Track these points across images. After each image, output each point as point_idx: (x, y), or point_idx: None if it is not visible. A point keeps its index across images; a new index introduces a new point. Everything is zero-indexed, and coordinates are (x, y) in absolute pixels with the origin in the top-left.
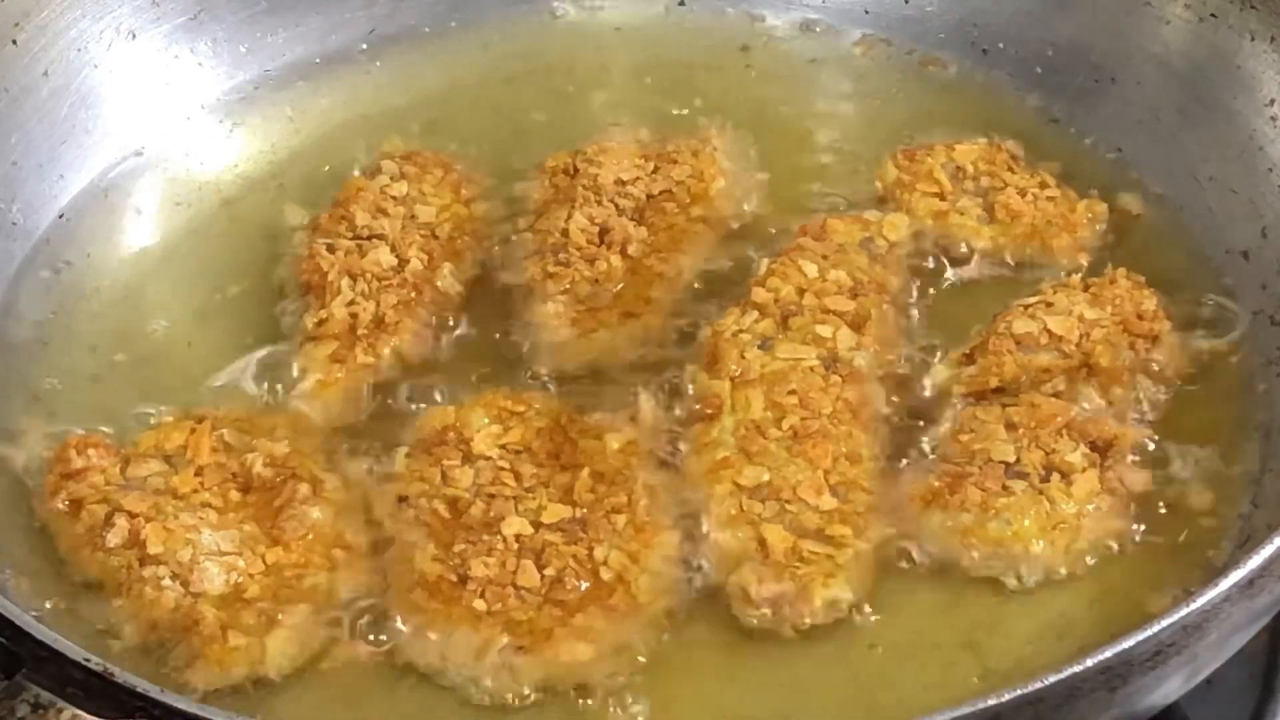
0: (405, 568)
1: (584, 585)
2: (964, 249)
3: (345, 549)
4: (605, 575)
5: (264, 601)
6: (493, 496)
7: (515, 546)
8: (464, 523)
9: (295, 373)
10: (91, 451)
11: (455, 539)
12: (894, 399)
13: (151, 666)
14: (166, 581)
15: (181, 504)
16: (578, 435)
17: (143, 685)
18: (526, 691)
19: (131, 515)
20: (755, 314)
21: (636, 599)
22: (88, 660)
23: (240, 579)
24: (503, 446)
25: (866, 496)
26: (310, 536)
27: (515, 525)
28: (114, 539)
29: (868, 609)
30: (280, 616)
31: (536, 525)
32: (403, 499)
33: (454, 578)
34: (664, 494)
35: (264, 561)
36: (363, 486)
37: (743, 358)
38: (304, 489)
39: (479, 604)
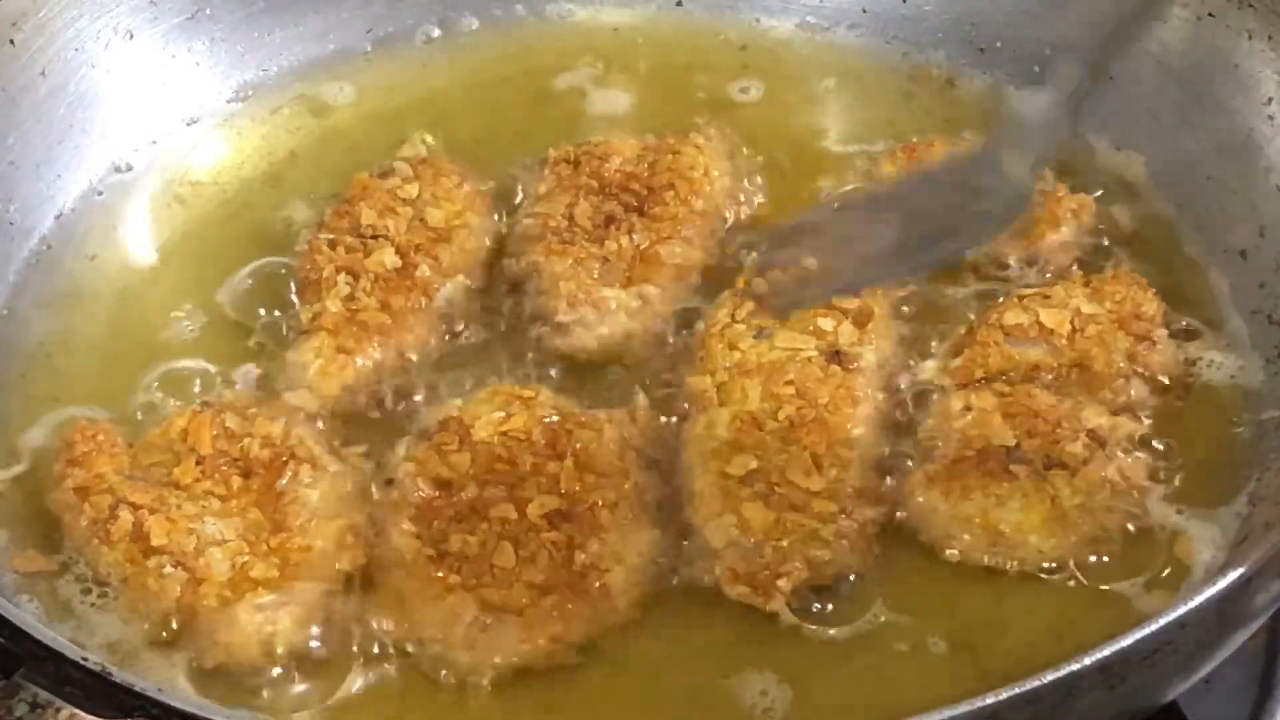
0: (385, 546)
1: (559, 570)
2: None
3: (348, 530)
4: (580, 562)
5: (270, 582)
6: (485, 483)
7: (498, 529)
8: (452, 503)
9: (292, 368)
10: (100, 437)
11: (436, 517)
12: (888, 393)
13: (163, 655)
14: (169, 569)
15: (184, 494)
16: (575, 427)
17: (140, 684)
18: (494, 665)
19: (135, 508)
20: (752, 305)
21: (609, 589)
22: (85, 660)
23: (246, 560)
24: (503, 433)
25: (858, 481)
26: (313, 519)
27: (502, 510)
28: (117, 532)
29: (866, 606)
30: (287, 595)
31: (522, 512)
32: (389, 481)
33: (431, 553)
34: (652, 491)
35: (268, 545)
36: (363, 470)
37: (735, 349)
38: (305, 470)
39: (453, 578)
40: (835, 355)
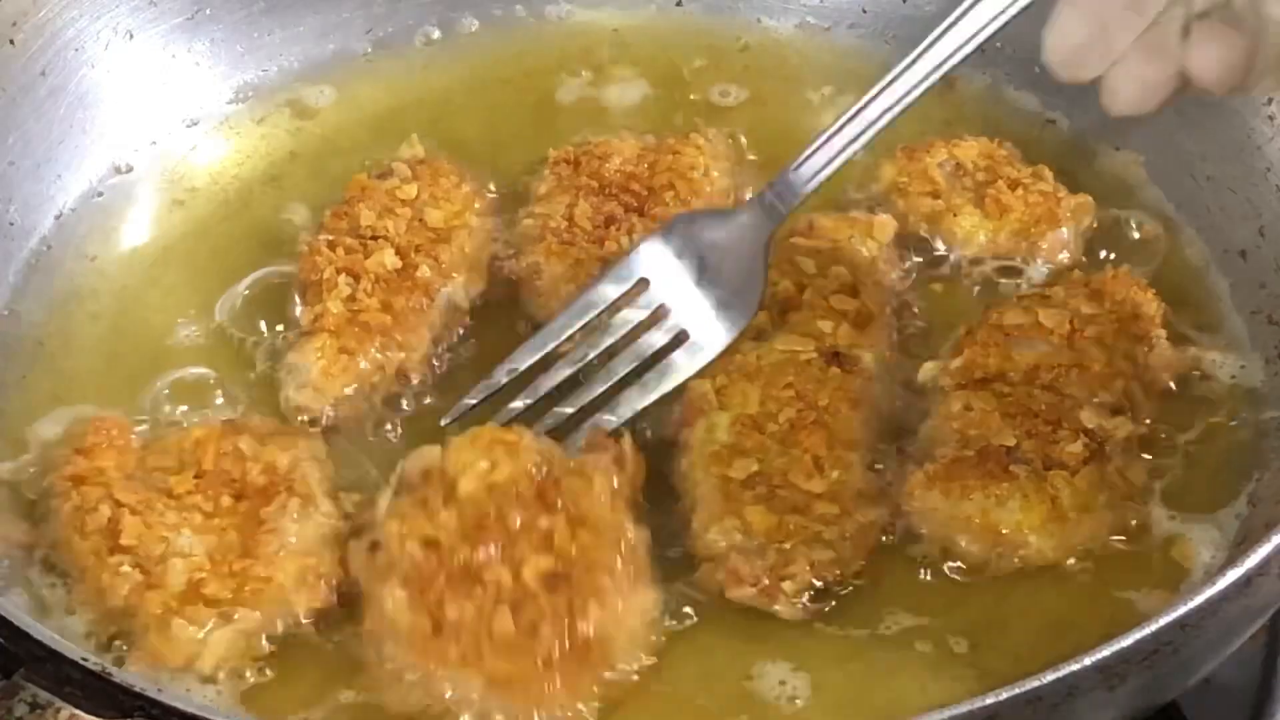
0: (377, 615)
1: (560, 637)
2: (958, 247)
3: (313, 570)
4: (583, 630)
5: (217, 601)
6: (476, 544)
7: (494, 593)
8: (443, 567)
9: (292, 370)
10: (113, 432)
11: (428, 584)
12: (888, 394)
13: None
14: (126, 569)
15: (173, 503)
16: (563, 476)
17: (140, 684)
18: None
19: (118, 504)
20: None
21: (612, 654)
22: (85, 660)
23: (202, 577)
24: (490, 486)
25: (859, 482)
26: (282, 552)
27: (496, 573)
28: (93, 524)
29: (865, 607)
30: (228, 617)
31: (517, 575)
32: (374, 545)
33: (429, 624)
34: (645, 545)
35: (230, 568)
36: (352, 519)
37: (735, 351)
38: (294, 504)
39: (453, 651)
40: (834, 357)
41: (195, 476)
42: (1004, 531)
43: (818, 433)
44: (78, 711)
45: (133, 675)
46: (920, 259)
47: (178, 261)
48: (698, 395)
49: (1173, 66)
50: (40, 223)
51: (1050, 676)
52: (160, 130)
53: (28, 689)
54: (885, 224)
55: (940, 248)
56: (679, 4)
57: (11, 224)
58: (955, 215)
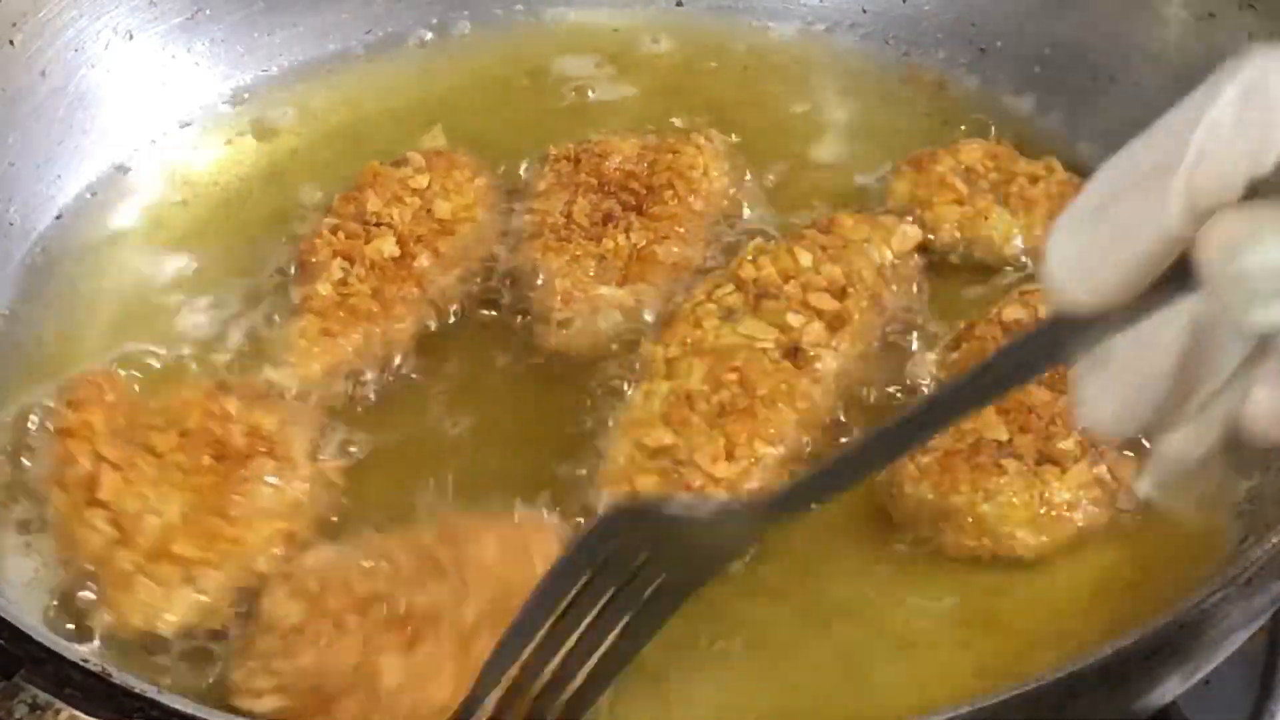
0: None
1: None
2: (992, 250)
3: (284, 535)
4: None
5: (184, 559)
6: None
7: None
8: None
9: (276, 346)
10: (103, 385)
11: None
12: (845, 400)
13: (59, 614)
14: (100, 523)
15: (155, 461)
16: None
17: (140, 686)
18: None
19: (100, 459)
20: (730, 287)
21: None
22: (85, 661)
23: (172, 535)
24: None
25: (763, 479)
26: (253, 514)
27: None
28: (72, 476)
29: (862, 605)
30: (193, 578)
31: None
32: None
33: None
34: None
35: (201, 527)
36: (336, 485)
37: (698, 326)
38: (270, 466)
39: None
40: (793, 352)
41: (180, 435)
42: (995, 527)
43: (742, 420)
44: (77, 713)
45: (133, 677)
46: (958, 264)
47: (178, 261)
48: (649, 358)
49: (1221, 429)
50: (40, 223)
51: (1050, 677)
52: (160, 130)
53: (28, 690)
54: (908, 235)
55: (972, 254)
56: (679, 4)
57: (11, 224)
58: (986, 219)
